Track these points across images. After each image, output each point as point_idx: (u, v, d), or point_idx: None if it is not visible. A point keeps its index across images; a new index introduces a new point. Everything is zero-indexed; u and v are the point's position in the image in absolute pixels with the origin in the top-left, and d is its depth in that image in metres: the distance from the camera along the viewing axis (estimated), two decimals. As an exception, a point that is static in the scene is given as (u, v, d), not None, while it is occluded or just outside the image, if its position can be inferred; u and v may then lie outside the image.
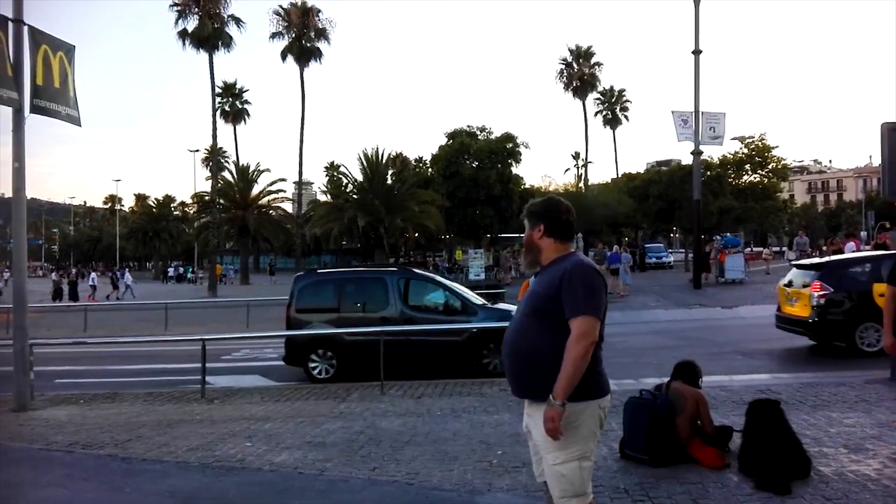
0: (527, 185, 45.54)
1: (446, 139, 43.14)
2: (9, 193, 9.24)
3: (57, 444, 6.90)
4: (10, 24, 8.71)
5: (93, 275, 40.48)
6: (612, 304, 20.69)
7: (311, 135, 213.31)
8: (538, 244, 3.12)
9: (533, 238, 3.13)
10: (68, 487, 5.51)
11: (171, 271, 43.95)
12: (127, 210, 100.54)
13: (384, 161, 34.76)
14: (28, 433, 7.43)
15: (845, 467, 5.09)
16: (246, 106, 62.95)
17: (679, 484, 4.88)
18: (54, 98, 9.24)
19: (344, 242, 51.87)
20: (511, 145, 42.01)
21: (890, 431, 6.06)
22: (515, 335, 3.07)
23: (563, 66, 55.55)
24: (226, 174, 56.66)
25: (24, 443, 7.01)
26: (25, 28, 8.82)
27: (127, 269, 46.69)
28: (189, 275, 58.24)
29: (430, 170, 44.97)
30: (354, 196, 34.72)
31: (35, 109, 8.93)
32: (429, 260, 52.04)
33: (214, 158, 48.34)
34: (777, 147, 45.55)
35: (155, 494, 5.20)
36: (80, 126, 9.86)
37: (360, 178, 33.77)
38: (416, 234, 41.46)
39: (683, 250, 36.07)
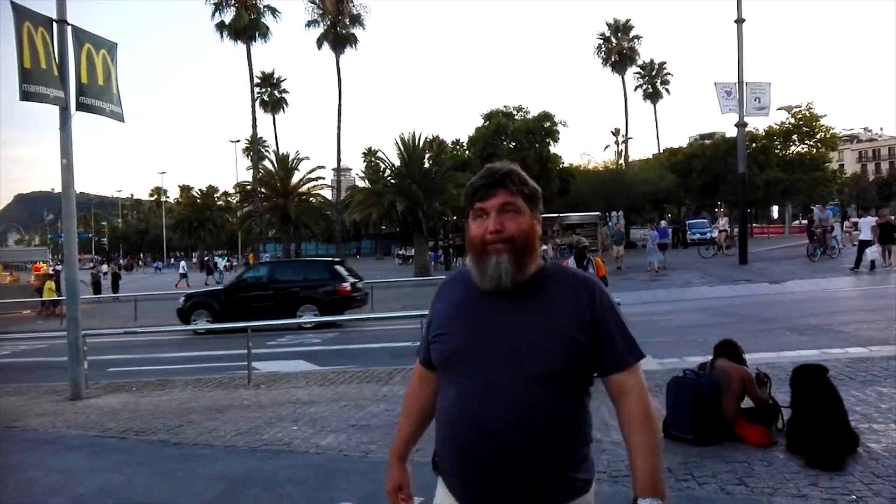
0: (565, 164, 45.04)
1: (483, 120, 42.92)
2: (59, 189, 9.52)
3: (111, 430, 7.14)
4: (55, 25, 8.93)
5: (182, 263, 43.01)
6: (654, 281, 20.56)
7: (348, 121, 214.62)
8: (536, 239, 1.84)
9: (534, 231, 1.82)
10: (123, 473, 5.70)
11: (182, 265, 45.62)
12: (172, 201, 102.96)
13: (421, 145, 34.72)
14: (84, 421, 7.70)
15: (899, 444, 4.95)
16: (284, 95, 63.44)
17: (724, 462, 4.81)
18: (98, 95, 9.47)
19: (383, 227, 52.21)
20: (549, 124, 41.56)
21: (947, 407, 5.86)
22: (519, 417, 1.71)
23: (602, 41, 54.59)
24: (266, 163, 57.38)
25: (81, 430, 7.26)
26: (69, 28, 9.04)
27: (217, 256, 49.71)
28: (224, 263, 59.68)
29: (467, 152, 44.83)
30: (392, 181, 34.77)
31: (80, 107, 9.16)
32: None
33: (255, 148, 49.06)
34: (825, 116, 44.32)
35: (206, 478, 5.35)
36: (123, 122, 10.09)
37: (397, 162, 33.80)
38: (455, 217, 41.41)
39: (726, 226, 35.35)
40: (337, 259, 19.81)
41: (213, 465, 5.69)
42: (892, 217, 23.52)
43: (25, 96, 8.50)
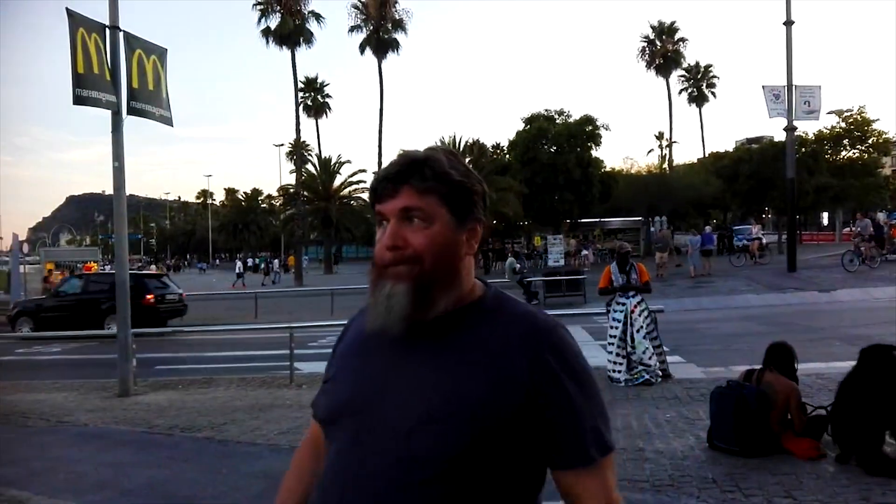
0: (608, 168, 44.53)
1: (523, 124, 42.71)
2: (109, 191, 9.81)
3: (158, 427, 7.32)
4: (108, 31, 9.23)
5: (238, 263, 44.59)
6: (698, 287, 20.18)
7: (389, 125, 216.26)
8: (459, 261, 1.25)
9: (455, 248, 1.23)
10: (170, 468, 5.83)
11: (238, 265, 46.48)
12: (218, 204, 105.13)
13: (461, 148, 34.79)
14: (132, 417, 7.91)
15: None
16: (327, 100, 64.33)
17: (771, 475, 4.69)
18: (149, 100, 9.74)
19: (424, 230, 52.25)
20: (591, 128, 41.12)
21: None
22: None
23: (646, 44, 53.88)
24: (309, 167, 58.27)
25: (129, 426, 7.46)
26: (121, 34, 9.32)
27: (276, 258, 51.77)
28: (261, 265, 61.42)
29: (507, 156, 44.68)
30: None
31: (132, 111, 9.43)
32: (507, 247, 51.84)
33: (298, 152, 49.76)
34: (878, 120, 42.96)
35: (249, 476, 5.44)
36: (172, 126, 10.36)
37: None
38: (494, 222, 41.32)
39: (776, 232, 34.51)
40: (154, 273, 21.59)
41: (257, 463, 5.78)
42: None
43: (79, 100, 8.78)
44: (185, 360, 12.65)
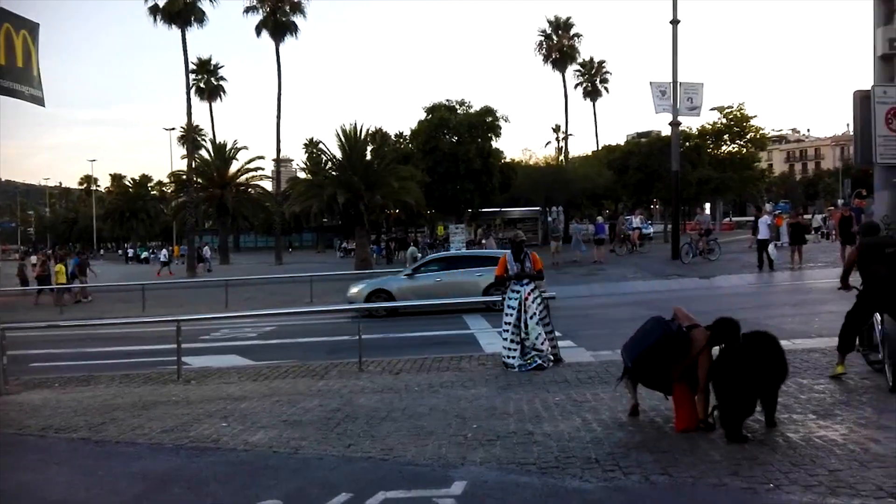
0: (507, 159, 45.39)
1: (425, 114, 42.81)
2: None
3: (30, 428, 6.83)
4: (-30, 2, 8.43)
5: (164, 251, 43.39)
6: (590, 275, 20.95)
7: (288, 111, 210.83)
8: None
9: None
10: (41, 472, 5.46)
11: (130, 252, 45.18)
12: (103, 191, 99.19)
13: (363, 137, 34.36)
14: (1, 417, 7.34)
15: (813, 433, 5.17)
16: (222, 83, 61.91)
17: (650, 453, 4.92)
18: (18, 78, 9.00)
19: (325, 220, 51.58)
20: (491, 119, 41.75)
21: (858, 397, 6.17)
22: None
23: (543, 38, 55.10)
24: (203, 153, 55.97)
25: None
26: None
27: (207, 245, 49.87)
28: (144, 254, 60.53)
29: (409, 145, 44.65)
30: (333, 173, 34.32)
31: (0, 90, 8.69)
32: (410, 236, 51.91)
33: (190, 137, 47.71)
34: (755, 117, 45.87)
35: (127, 477, 5.17)
36: (43, 106, 9.63)
37: (338, 154, 33.39)
38: (397, 211, 41.24)
39: (662, 222, 36.56)
40: None
41: (136, 463, 5.50)
42: (802, 217, 24.67)
43: (-63, 76, 8.01)
44: (64, 356, 11.87)
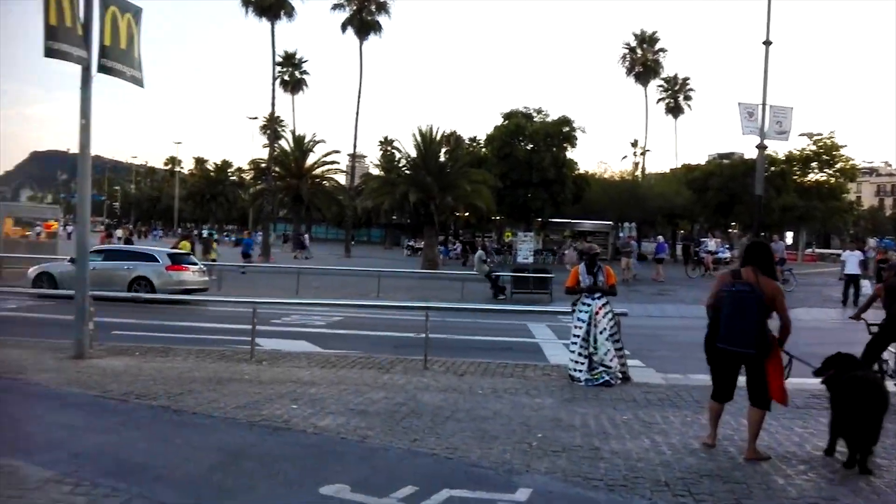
0: (581, 171, 44.87)
1: (502, 119, 42.78)
2: (74, 149, 9.55)
3: (112, 392, 7.17)
4: (83, -16, 8.93)
5: (306, 236, 45.54)
6: (661, 295, 20.47)
7: (366, 108, 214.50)
8: None
9: None
10: (121, 435, 5.72)
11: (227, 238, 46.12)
12: (186, 172, 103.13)
13: (438, 138, 34.71)
14: (85, 380, 7.73)
15: (899, 480, 4.91)
16: (305, 76, 63.58)
17: (723, 482, 4.78)
18: (120, 59, 9.48)
19: (394, 217, 52.19)
20: (567, 129, 41.34)
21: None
22: None
23: (627, 51, 54.42)
24: (282, 143, 57.57)
25: (82, 389, 7.30)
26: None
27: (307, 234, 50.52)
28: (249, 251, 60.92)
29: (483, 150, 44.70)
30: (407, 171, 34.77)
31: (102, 69, 9.18)
32: (478, 240, 51.95)
33: (272, 127, 49.09)
34: (846, 146, 44.18)
35: (204, 448, 5.37)
36: (143, 88, 10.13)
37: (413, 153, 33.82)
38: (467, 213, 41.33)
39: (716, 247, 35.54)
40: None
41: (212, 436, 5.71)
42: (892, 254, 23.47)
43: (49, 53, 8.49)
44: (144, 327, 12.41)
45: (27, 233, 27.79)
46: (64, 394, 7.11)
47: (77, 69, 9.05)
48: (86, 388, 7.33)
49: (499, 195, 37.37)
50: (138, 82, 9.89)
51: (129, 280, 16.37)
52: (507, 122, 42.21)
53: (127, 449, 5.30)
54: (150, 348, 10.15)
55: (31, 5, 8.45)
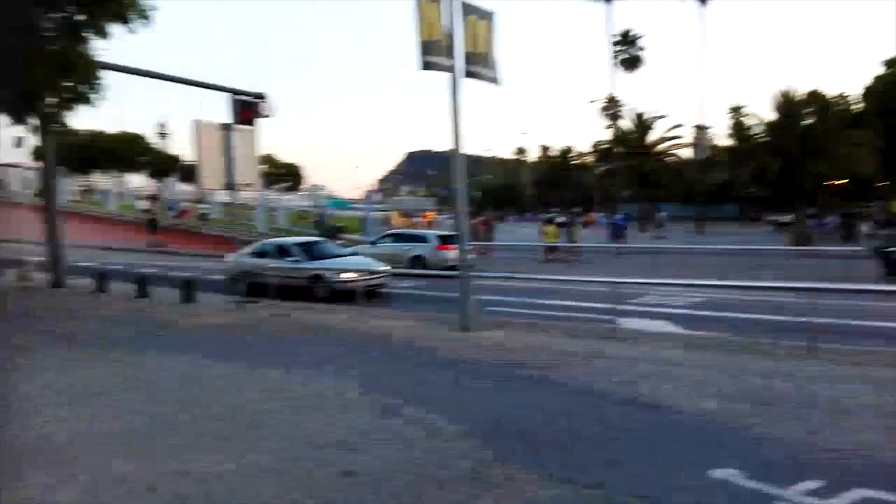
0: None
1: (884, 67, 36.26)
2: (441, 147, 10.84)
3: (491, 360, 8.03)
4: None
5: (664, 215, 43.99)
6: None
7: (709, 77, 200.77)
8: None
9: None
10: (525, 392, 6.36)
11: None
12: (532, 160, 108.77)
13: (799, 100, 30.84)
14: (473, 350, 8.75)
15: None
16: (640, 53, 61.89)
17: None
18: (481, 62, 10.43)
19: (752, 189, 47.93)
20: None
21: None
22: None
23: None
24: (622, 122, 57.10)
25: (473, 356, 8.29)
26: (458, 2, 9.98)
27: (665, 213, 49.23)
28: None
29: (854, 107, 38.35)
30: (764, 139, 31.65)
31: (467, 74, 10.17)
32: (857, 212, 44.92)
33: (612, 107, 48.99)
34: None
35: (582, 417, 5.67)
36: (499, 86, 10.95)
37: (770, 118, 30.63)
38: (842, 182, 35.98)
39: None
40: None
41: (588, 408, 5.99)
42: None
43: (426, 66, 9.64)
44: (512, 304, 13.46)
45: (411, 221, 32.62)
46: (456, 360, 8.13)
47: (444, 76, 10.10)
48: (476, 355, 8.32)
49: (886, 158, 31.79)
50: (496, 81, 10.75)
51: (408, 258, 19.42)
52: (891, 69, 35.66)
53: (531, 420, 5.85)
54: (521, 323, 11.00)
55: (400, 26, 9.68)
